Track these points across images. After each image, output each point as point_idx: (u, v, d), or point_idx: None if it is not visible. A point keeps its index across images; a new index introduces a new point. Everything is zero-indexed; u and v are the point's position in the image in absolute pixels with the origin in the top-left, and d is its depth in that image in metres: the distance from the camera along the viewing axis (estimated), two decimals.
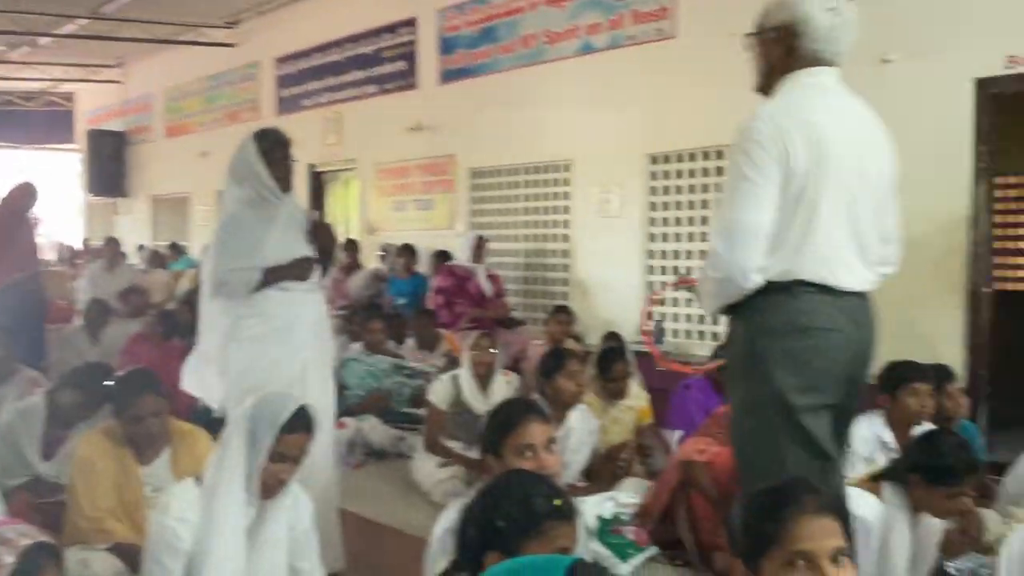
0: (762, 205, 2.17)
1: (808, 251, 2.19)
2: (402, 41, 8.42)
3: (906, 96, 4.89)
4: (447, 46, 7.93)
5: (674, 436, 4.24)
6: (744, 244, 2.17)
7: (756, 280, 2.19)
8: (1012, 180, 7.53)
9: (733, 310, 2.30)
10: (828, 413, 2.25)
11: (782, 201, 2.17)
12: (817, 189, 2.18)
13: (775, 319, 2.21)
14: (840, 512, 1.50)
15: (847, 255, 2.25)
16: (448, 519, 2.23)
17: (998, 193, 5.46)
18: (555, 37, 6.90)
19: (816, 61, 2.30)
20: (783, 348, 2.20)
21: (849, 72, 5.43)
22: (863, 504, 2.46)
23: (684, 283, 2.80)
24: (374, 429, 4.85)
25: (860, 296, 2.29)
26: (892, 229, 2.38)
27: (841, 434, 2.33)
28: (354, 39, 8.99)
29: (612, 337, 5.12)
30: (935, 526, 2.69)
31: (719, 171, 5.90)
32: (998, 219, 5.63)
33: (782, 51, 2.32)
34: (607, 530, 3.32)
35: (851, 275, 2.25)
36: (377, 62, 8.71)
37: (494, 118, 7.37)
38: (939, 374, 3.78)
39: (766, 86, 2.38)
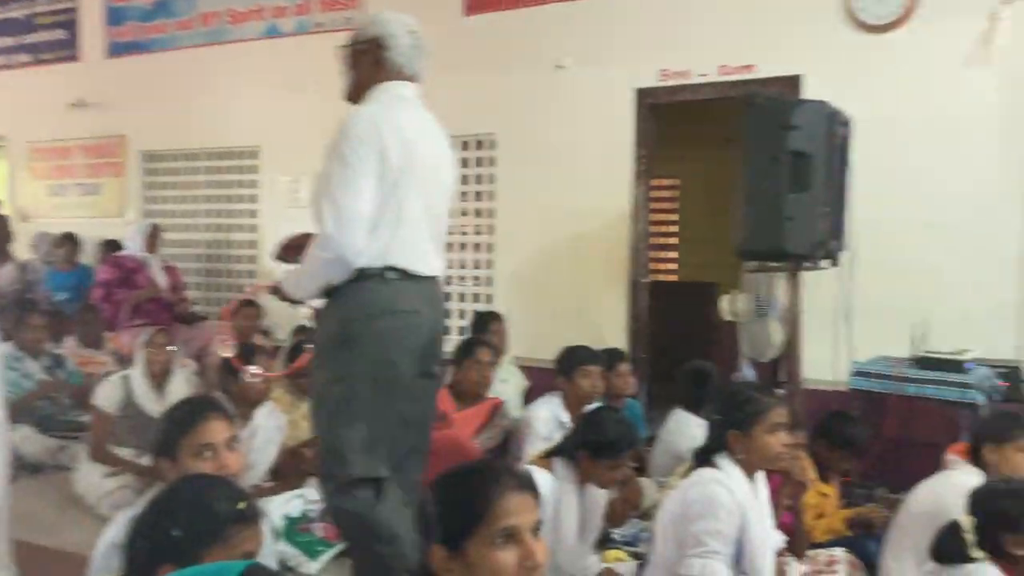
0: (365, 194, 2.42)
1: (397, 239, 2.48)
2: (61, 7, 7.56)
3: (578, 100, 5.29)
4: (115, 17, 7.25)
5: None
6: (353, 227, 2.40)
7: (361, 261, 2.42)
8: (665, 182, 8.47)
9: (327, 295, 2.52)
10: (413, 383, 2.55)
11: (378, 192, 2.44)
12: (407, 185, 2.48)
13: (368, 302, 2.45)
14: (534, 487, 1.56)
15: (426, 245, 2.57)
16: (113, 533, 2.03)
17: (653, 194, 6.07)
18: (239, 17, 6.59)
19: (400, 75, 2.61)
20: (376, 328, 2.45)
21: (528, 74, 5.80)
22: (537, 480, 2.60)
23: (257, 290, 2.93)
24: (28, 440, 4.33)
25: (434, 281, 2.63)
26: (446, 227, 2.74)
27: (422, 400, 2.63)
28: (2, 1, 7.92)
29: (302, 331, 4.99)
30: (600, 497, 2.92)
31: None
32: (653, 217, 6.25)
33: (371, 62, 2.62)
34: (295, 529, 3.24)
35: (429, 263, 2.58)
36: (30, 28, 7.75)
37: (171, 98, 6.86)
38: (611, 356, 4.15)
39: (355, 94, 2.67)
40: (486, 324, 4.77)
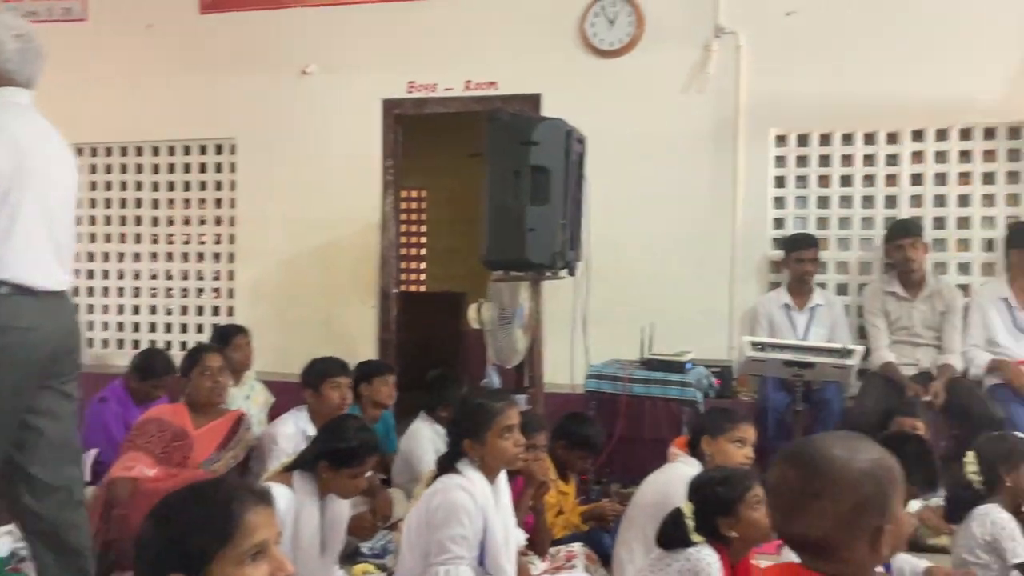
0: None
1: (12, 251, 2.35)
2: None
3: (325, 108, 5.21)
4: None
5: (90, 455, 3.87)
6: None
7: None
8: (414, 193, 8.56)
9: None
10: (40, 402, 2.45)
11: None
12: (20, 194, 2.36)
13: None
14: (271, 500, 1.51)
15: (46, 258, 2.45)
16: None
17: (402, 204, 6.10)
18: None
19: (10, 82, 2.48)
20: None
21: (271, 78, 5.60)
22: (273, 494, 2.53)
23: None
24: None
25: (59, 295, 2.50)
26: (73, 238, 2.65)
27: (59, 420, 2.50)
28: None
29: None
30: (343, 509, 2.87)
31: (139, 168, 5.61)
32: (402, 228, 6.29)
33: None
34: (4, 570, 2.92)
35: (50, 277, 2.46)
36: None
37: None
38: (378, 367, 4.13)
39: None
40: (229, 338, 4.54)
